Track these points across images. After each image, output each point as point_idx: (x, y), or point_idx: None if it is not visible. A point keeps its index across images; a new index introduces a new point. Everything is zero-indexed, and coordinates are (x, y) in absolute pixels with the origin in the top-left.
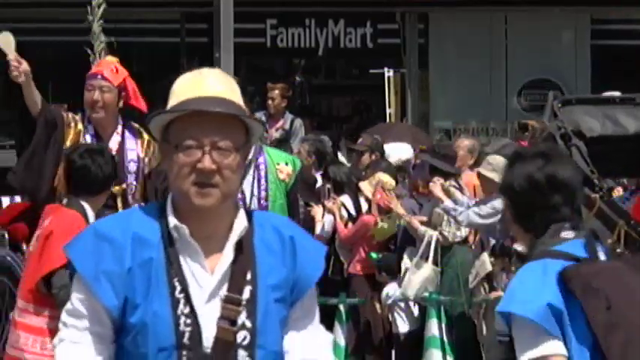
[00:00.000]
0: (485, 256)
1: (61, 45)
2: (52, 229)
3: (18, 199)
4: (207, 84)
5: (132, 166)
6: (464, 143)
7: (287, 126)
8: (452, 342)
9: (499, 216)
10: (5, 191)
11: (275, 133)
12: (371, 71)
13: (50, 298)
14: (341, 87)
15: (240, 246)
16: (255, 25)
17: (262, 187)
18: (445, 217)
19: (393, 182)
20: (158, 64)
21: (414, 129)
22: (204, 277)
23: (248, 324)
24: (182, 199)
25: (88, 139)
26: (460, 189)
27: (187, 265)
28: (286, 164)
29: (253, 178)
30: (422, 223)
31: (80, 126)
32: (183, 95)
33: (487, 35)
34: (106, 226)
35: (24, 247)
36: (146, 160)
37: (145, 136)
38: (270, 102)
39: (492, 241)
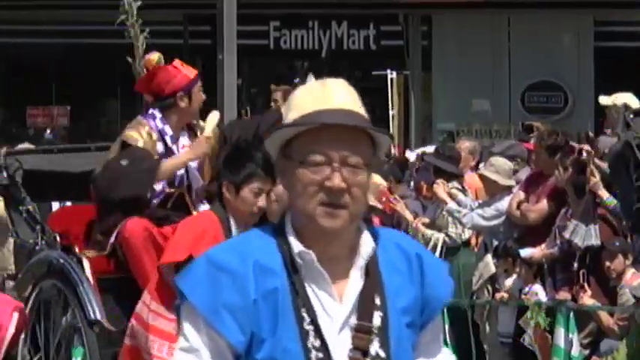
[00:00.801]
0: (489, 258)
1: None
2: (180, 222)
3: (69, 204)
4: (333, 95)
5: (194, 164)
6: (464, 145)
7: None
8: (454, 343)
9: (502, 218)
10: (57, 196)
11: None
12: (374, 73)
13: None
14: None
15: (366, 269)
16: (259, 27)
17: None
18: (450, 219)
19: (384, 183)
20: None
21: None
22: (333, 306)
23: (382, 354)
24: (306, 221)
25: (169, 141)
26: (463, 191)
27: (314, 293)
28: None
29: None
30: (425, 224)
31: (154, 136)
32: (307, 108)
33: (490, 37)
34: (222, 255)
35: (76, 249)
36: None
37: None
38: (273, 104)
39: (495, 243)
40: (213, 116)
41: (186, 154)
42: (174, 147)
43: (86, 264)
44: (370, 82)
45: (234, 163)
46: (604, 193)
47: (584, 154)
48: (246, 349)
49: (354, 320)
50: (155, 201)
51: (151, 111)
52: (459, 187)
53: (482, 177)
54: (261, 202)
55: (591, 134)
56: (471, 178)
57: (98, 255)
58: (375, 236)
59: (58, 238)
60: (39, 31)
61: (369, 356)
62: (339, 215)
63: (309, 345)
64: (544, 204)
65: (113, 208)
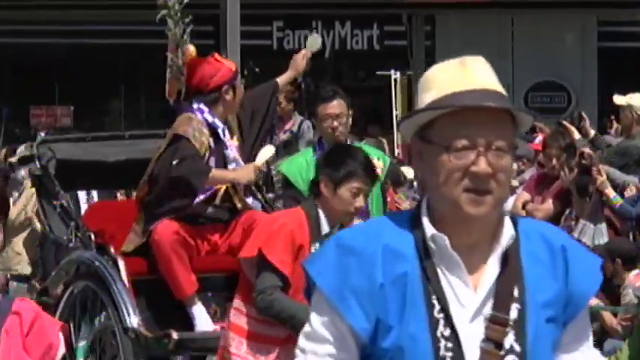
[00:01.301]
0: None
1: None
2: (258, 219)
3: (95, 194)
4: (474, 75)
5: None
6: None
7: (295, 128)
8: None
9: None
10: (83, 186)
11: (283, 135)
12: (377, 73)
13: None
14: (347, 89)
15: (505, 258)
16: (262, 28)
17: None
18: None
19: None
20: (164, 66)
21: None
22: (467, 294)
23: (517, 348)
24: (449, 207)
25: (221, 134)
26: None
27: (447, 280)
28: (378, 159)
29: None
30: None
31: (205, 131)
32: (448, 88)
33: (494, 37)
34: (351, 237)
35: (111, 249)
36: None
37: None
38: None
39: None
40: (268, 150)
41: (234, 173)
42: (225, 140)
43: (121, 265)
44: (374, 82)
45: (335, 159)
46: (610, 192)
47: (586, 155)
48: (371, 337)
49: (488, 310)
50: (202, 197)
51: (196, 105)
52: None
53: None
54: (359, 202)
55: (584, 114)
56: None
57: (135, 244)
58: (517, 225)
59: (92, 237)
60: (42, 31)
61: (503, 349)
62: (484, 202)
63: (439, 334)
64: (550, 204)
65: (157, 207)
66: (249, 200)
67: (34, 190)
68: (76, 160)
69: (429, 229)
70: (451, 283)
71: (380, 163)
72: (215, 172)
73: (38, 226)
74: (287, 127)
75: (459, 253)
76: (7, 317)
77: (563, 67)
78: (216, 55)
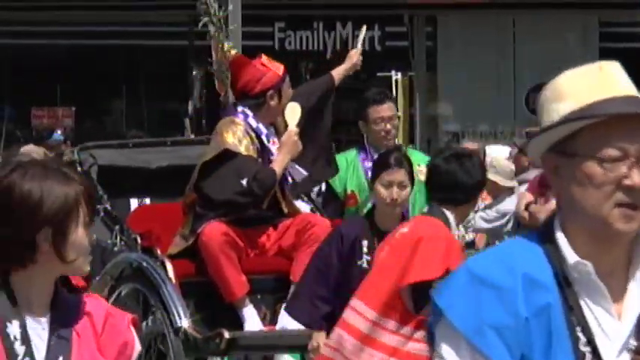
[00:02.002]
0: None
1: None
2: (421, 236)
3: (147, 201)
4: (615, 81)
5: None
6: (466, 147)
7: None
8: None
9: (504, 219)
10: (135, 193)
11: None
12: (379, 74)
13: (413, 314)
14: (349, 90)
15: None
16: (263, 29)
17: None
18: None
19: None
20: (166, 67)
21: None
22: (612, 325)
23: None
24: (593, 224)
25: (265, 140)
26: None
27: (589, 310)
28: (426, 165)
29: None
30: None
31: (251, 135)
32: (588, 97)
33: (495, 38)
34: (484, 267)
35: (157, 251)
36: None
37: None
38: None
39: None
40: (296, 109)
41: (283, 155)
42: (269, 146)
43: (169, 266)
44: (375, 83)
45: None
46: None
47: None
48: None
49: (633, 342)
50: None
51: (240, 109)
52: None
53: None
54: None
55: None
56: None
57: (182, 248)
58: None
59: (138, 240)
60: (43, 32)
61: None
62: (635, 217)
63: None
64: (553, 204)
65: (209, 213)
66: (299, 203)
67: None
68: (118, 167)
69: (570, 255)
70: (594, 313)
71: (423, 168)
72: (277, 169)
73: None
74: None
75: (601, 279)
76: (78, 318)
77: (564, 68)
78: (264, 58)
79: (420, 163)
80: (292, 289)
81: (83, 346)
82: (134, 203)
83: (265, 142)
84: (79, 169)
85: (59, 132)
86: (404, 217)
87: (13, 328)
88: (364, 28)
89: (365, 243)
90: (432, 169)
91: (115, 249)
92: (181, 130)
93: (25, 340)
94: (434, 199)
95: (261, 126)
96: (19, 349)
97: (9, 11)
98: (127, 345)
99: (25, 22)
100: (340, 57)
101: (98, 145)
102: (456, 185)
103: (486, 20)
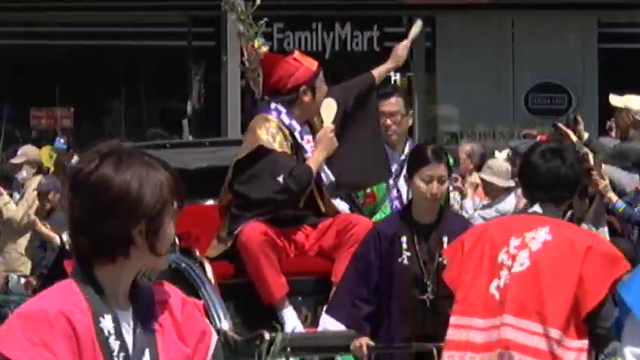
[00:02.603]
0: None
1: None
2: (590, 245)
3: (211, 202)
4: None
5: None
6: (464, 148)
7: None
8: None
9: None
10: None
11: None
12: None
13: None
14: None
15: None
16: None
17: None
18: None
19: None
20: (165, 68)
21: None
22: None
23: None
24: None
25: (298, 137)
26: (463, 193)
27: None
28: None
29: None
30: None
31: (285, 132)
32: None
33: (494, 38)
34: None
35: (196, 252)
36: None
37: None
38: None
39: None
40: (331, 105)
41: (319, 152)
42: (303, 143)
43: (208, 267)
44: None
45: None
46: (613, 196)
47: (590, 157)
48: None
49: None
50: None
51: (274, 105)
52: (461, 186)
53: (481, 179)
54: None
55: (579, 118)
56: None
57: (220, 251)
58: None
59: (177, 240)
60: (42, 32)
61: None
62: None
63: None
64: None
65: (246, 213)
66: (337, 202)
67: (36, 192)
68: None
69: None
70: None
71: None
72: (312, 166)
73: (41, 227)
74: None
75: None
76: (157, 308)
77: (563, 69)
78: (297, 54)
79: None
80: (333, 290)
81: (166, 337)
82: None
83: (299, 139)
84: None
85: (62, 140)
86: (442, 210)
87: (107, 323)
88: (419, 22)
89: (404, 239)
90: (529, 167)
91: None
92: (179, 131)
93: (119, 334)
94: (535, 198)
95: (294, 123)
96: (114, 344)
97: (8, 12)
98: (205, 333)
99: (24, 23)
100: (338, 57)
101: (135, 146)
102: (557, 182)
103: (485, 21)
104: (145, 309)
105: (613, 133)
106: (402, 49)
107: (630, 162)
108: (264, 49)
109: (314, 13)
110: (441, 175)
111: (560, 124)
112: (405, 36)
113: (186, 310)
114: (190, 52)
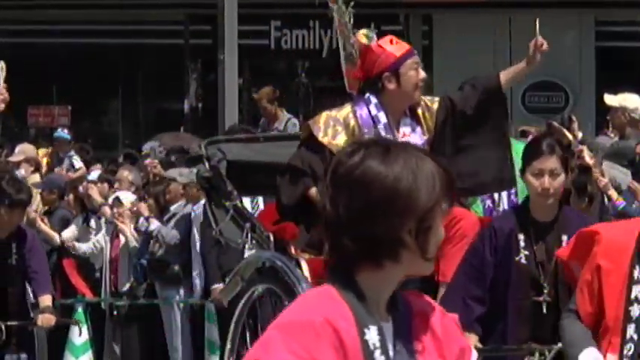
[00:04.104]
0: None
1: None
2: None
3: (261, 199)
4: None
5: None
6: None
7: (281, 126)
8: None
9: None
10: (265, 189)
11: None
12: None
13: None
14: (345, 89)
15: None
16: (259, 27)
17: None
18: None
19: None
20: (162, 66)
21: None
22: None
23: None
24: None
25: (382, 130)
26: None
27: None
28: None
29: None
30: None
31: (352, 121)
32: None
33: (491, 37)
34: None
35: (292, 249)
36: None
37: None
38: (262, 111)
39: None
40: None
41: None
42: (389, 137)
43: (305, 267)
44: None
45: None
46: (614, 194)
47: (586, 156)
48: None
49: None
50: None
51: (367, 95)
52: None
53: None
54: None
55: (573, 117)
56: None
57: (316, 258)
58: None
59: (271, 238)
60: (39, 30)
61: None
62: None
63: None
64: None
65: None
66: None
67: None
68: (248, 162)
69: None
70: None
71: None
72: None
73: (42, 226)
74: (274, 125)
75: None
76: (415, 321)
77: (560, 67)
78: (386, 38)
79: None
80: (443, 289)
81: (427, 355)
82: (247, 203)
83: (382, 131)
84: (206, 164)
85: (65, 130)
86: (561, 207)
87: (372, 335)
88: (537, 21)
89: (521, 237)
90: None
91: (247, 248)
92: (178, 129)
93: (384, 349)
94: None
95: (381, 114)
96: (379, 358)
97: (4, 10)
98: (464, 351)
99: (21, 21)
100: (336, 56)
101: (227, 139)
102: None
103: (482, 19)
104: (404, 321)
105: (610, 132)
106: (541, 44)
107: (627, 160)
108: (364, 41)
109: (311, 11)
110: (552, 169)
111: (554, 123)
112: (401, 34)
113: (444, 324)
114: (187, 50)
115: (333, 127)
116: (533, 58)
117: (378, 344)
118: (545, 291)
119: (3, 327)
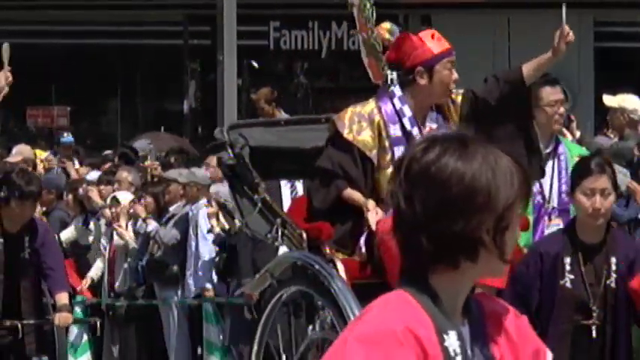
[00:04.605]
0: None
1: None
2: None
3: (299, 185)
4: None
5: None
6: None
7: None
8: None
9: None
10: (288, 175)
11: None
12: None
13: None
14: (344, 89)
15: None
16: (259, 28)
17: (563, 180)
18: None
19: None
20: (161, 67)
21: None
22: None
23: None
24: None
25: (407, 124)
26: None
27: None
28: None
29: (553, 170)
30: None
31: (377, 117)
32: None
33: (490, 37)
34: None
35: (326, 249)
36: None
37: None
38: (260, 112)
39: None
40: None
41: (368, 211)
42: (414, 130)
43: (340, 266)
44: (370, 82)
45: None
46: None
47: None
48: None
49: None
50: None
51: (392, 89)
52: None
53: None
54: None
55: (572, 117)
56: None
57: (349, 259)
58: None
59: (304, 235)
60: (38, 31)
61: None
62: None
63: None
64: None
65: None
66: None
67: None
68: (270, 147)
69: None
70: None
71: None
72: (351, 197)
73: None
74: None
75: None
76: (489, 324)
77: (559, 68)
78: (426, 32)
79: (578, 153)
80: None
81: (504, 359)
82: (285, 191)
83: (408, 126)
84: (229, 151)
85: (69, 134)
86: (609, 228)
87: (452, 341)
88: (563, 7)
89: (567, 260)
90: None
91: (276, 244)
92: (177, 129)
93: (465, 355)
94: None
95: (405, 108)
96: None
97: (3, 10)
98: (539, 353)
99: (21, 22)
100: (335, 56)
101: (248, 123)
102: None
103: (481, 19)
104: (478, 325)
105: (609, 132)
106: (567, 32)
107: (625, 161)
108: (387, 36)
109: (310, 11)
110: (604, 188)
111: None
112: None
113: (518, 326)
114: (186, 50)
115: (358, 123)
116: (558, 47)
117: (458, 350)
118: (595, 314)
119: (19, 325)
